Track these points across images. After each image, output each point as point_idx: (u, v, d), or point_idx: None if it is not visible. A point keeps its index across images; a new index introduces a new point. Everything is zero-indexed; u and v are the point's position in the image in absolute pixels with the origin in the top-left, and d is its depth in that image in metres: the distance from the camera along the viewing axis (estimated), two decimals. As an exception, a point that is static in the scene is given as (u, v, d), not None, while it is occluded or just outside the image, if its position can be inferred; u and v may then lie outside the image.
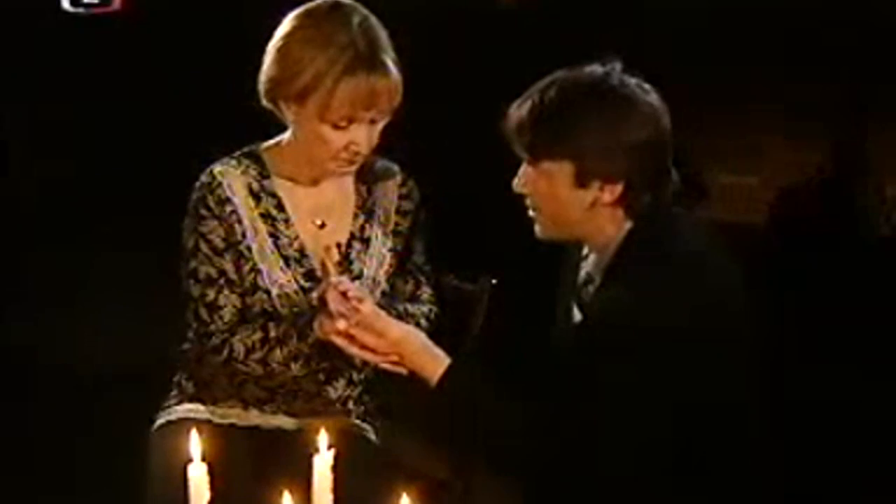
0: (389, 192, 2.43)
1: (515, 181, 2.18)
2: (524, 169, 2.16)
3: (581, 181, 2.09)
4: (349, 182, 2.39)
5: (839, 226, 4.22)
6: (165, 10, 4.84)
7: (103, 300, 4.09)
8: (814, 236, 4.21)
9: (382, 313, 2.21)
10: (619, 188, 2.10)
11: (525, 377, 2.14)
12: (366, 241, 2.39)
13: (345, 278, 2.26)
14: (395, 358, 2.18)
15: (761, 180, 4.47)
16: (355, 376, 2.44)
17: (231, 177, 2.32)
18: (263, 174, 2.34)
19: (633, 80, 2.12)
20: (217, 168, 2.34)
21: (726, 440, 2.11)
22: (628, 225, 2.14)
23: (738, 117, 4.30)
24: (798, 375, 3.30)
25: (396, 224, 2.42)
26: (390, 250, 2.41)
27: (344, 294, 2.19)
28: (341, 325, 2.16)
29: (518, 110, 2.13)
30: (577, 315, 2.26)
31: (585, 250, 2.26)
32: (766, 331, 2.14)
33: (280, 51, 2.22)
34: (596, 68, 2.12)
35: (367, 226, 2.39)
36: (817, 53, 4.26)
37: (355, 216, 2.39)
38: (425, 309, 2.41)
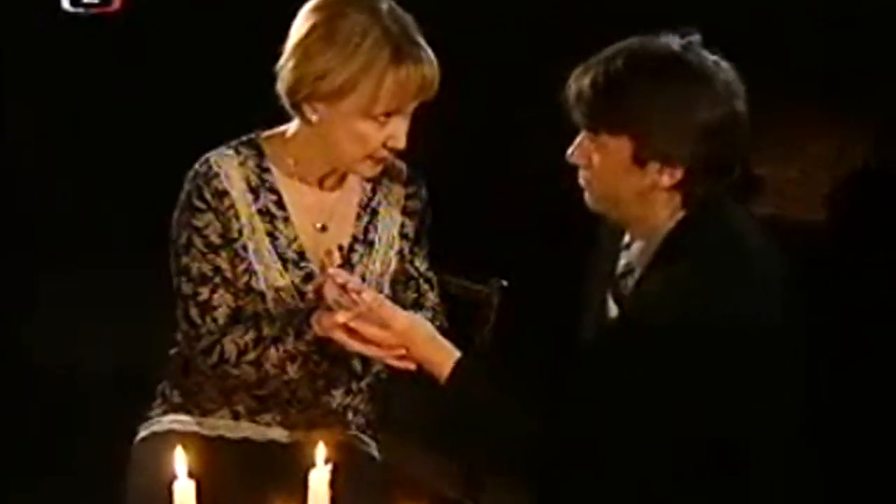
0: (395, 191, 2.33)
1: (570, 150, 2.07)
2: (580, 138, 2.06)
3: (639, 160, 1.98)
4: (353, 179, 2.28)
5: (885, 220, 4.09)
6: (165, 10, 4.81)
7: (103, 301, 4.09)
8: (858, 231, 4.09)
9: (386, 301, 2.10)
10: (679, 172, 1.99)
11: (542, 380, 2.04)
12: (369, 244, 2.29)
13: (342, 270, 2.17)
14: (401, 351, 2.06)
15: (801, 172, 4.34)
16: (355, 384, 2.34)
17: (229, 167, 2.21)
18: (263, 167, 2.23)
19: (711, 56, 2.00)
20: (213, 157, 2.22)
21: (767, 441, 2.03)
22: (682, 213, 2.03)
23: (776, 104, 4.13)
24: (839, 374, 3.23)
25: (402, 226, 2.33)
26: (395, 253, 2.31)
27: (343, 287, 2.09)
28: (341, 317, 2.05)
29: (580, 79, 2.02)
30: (613, 309, 2.14)
31: (627, 238, 2.14)
32: (809, 329, 2.07)
33: (305, 49, 2.11)
34: (672, 39, 2.00)
35: (370, 227, 2.29)
36: (858, 39, 4.15)
37: (358, 216, 2.29)
38: (428, 316, 2.28)
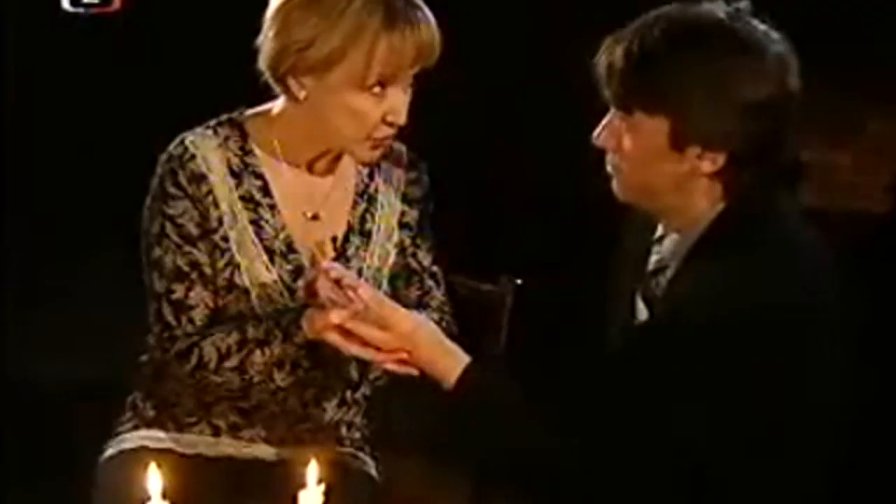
0: (395, 177, 2.21)
1: (597, 132, 1.94)
2: (610, 117, 1.93)
3: (677, 144, 1.85)
4: (347, 163, 2.15)
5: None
6: (165, 10, 4.93)
7: (102, 301, 4.04)
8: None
9: (386, 299, 1.98)
10: (721, 158, 1.86)
11: (560, 389, 1.93)
12: (366, 235, 2.16)
13: (337, 264, 2.03)
14: (402, 355, 1.94)
15: (854, 158, 4.17)
16: (350, 394, 2.21)
17: (207, 149, 2.09)
18: (246, 149, 2.11)
19: (761, 26, 1.87)
20: (189, 138, 2.10)
21: (811, 444, 1.91)
22: (723, 204, 1.91)
23: (825, 79, 3.88)
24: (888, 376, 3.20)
25: (402, 214, 2.20)
26: (395, 245, 2.19)
27: (337, 282, 1.95)
28: (335, 316, 1.91)
29: (612, 50, 1.89)
30: (642, 311, 2.03)
31: (660, 231, 2.02)
32: (859, 331, 1.96)
33: (286, 15, 2.00)
34: (717, 6, 1.87)
35: (367, 216, 2.17)
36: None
37: (354, 204, 2.16)
38: (435, 317, 2.16)
